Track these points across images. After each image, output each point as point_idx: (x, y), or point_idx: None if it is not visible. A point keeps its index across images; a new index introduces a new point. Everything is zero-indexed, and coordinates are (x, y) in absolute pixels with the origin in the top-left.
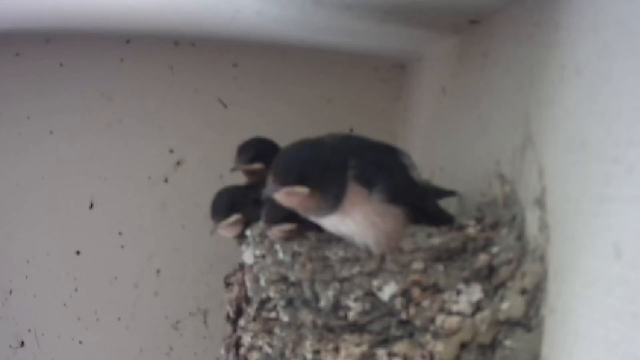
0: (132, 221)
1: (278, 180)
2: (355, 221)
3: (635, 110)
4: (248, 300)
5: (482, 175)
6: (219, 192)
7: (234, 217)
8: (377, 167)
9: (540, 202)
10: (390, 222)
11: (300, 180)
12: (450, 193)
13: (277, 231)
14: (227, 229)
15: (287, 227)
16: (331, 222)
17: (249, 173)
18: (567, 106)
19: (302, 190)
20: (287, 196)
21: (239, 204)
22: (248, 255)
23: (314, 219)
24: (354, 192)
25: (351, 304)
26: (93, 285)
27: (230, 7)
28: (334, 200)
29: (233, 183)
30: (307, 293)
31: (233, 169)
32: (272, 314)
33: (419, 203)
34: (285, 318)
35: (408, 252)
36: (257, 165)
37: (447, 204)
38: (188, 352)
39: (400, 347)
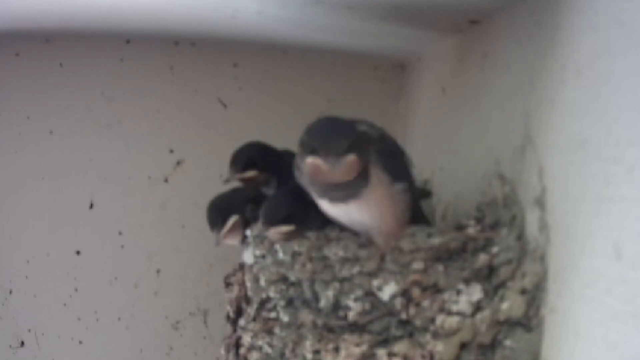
0: (132, 221)
1: (333, 152)
2: (370, 207)
3: (635, 110)
4: (248, 300)
5: (482, 175)
6: (209, 204)
7: (232, 220)
8: (398, 163)
9: (540, 202)
10: (401, 207)
11: (351, 150)
12: (426, 194)
13: (275, 233)
14: (230, 235)
15: (285, 228)
16: (348, 208)
17: (244, 181)
18: (567, 106)
19: (352, 159)
20: (347, 166)
21: (233, 207)
22: (248, 255)
23: (325, 202)
24: (378, 178)
25: (351, 304)
26: (93, 285)
27: (230, 7)
28: (362, 176)
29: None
30: (307, 293)
31: (226, 180)
32: (272, 314)
33: (417, 202)
34: (285, 318)
35: (408, 252)
36: (250, 173)
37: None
38: (188, 352)
39: (400, 347)
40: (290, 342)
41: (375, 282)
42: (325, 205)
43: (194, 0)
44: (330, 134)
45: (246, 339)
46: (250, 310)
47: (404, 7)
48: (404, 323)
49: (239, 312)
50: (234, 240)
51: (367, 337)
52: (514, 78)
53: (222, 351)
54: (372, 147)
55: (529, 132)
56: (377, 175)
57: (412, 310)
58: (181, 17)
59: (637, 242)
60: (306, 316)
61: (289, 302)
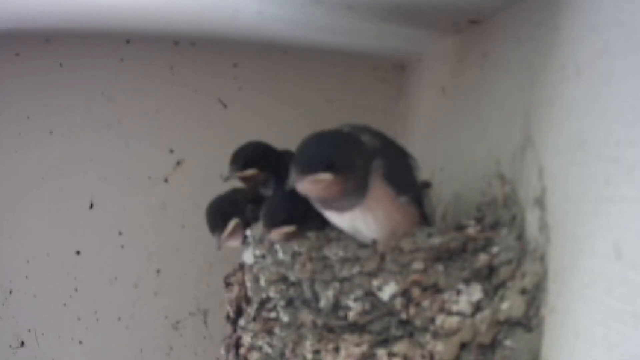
0: (132, 221)
1: (302, 169)
2: (376, 218)
3: (635, 110)
4: (248, 300)
5: (482, 175)
6: (208, 207)
7: (232, 223)
8: (405, 172)
9: (540, 202)
10: (409, 221)
11: (324, 167)
12: (426, 185)
13: (276, 234)
14: (231, 238)
15: (287, 229)
16: (349, 217)
17: (243, 179)
18: (567, 106)
19: (326, 176)
20: (312, 184)
21: (232, 209)
22: (248, 255)
23: (332, 213)
24: (381, 190)
25: (351, 304)
26: (93, 285)
27: (230, 7)
28: (358, 191)
29: (232, 185)
30: (307, 293)
31: (226, 178)
32: (272, 314)
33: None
34: (285, 318)
35: (408, 252)
36: (250, 172)
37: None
38: (188, 352)
39: (400, 347)
40: (290, 342)
41: (375, 282)
42: (328, 215)
43: (194, 0)
44: (304, 155)
45: (246, 339)
46: (250, 310)
47: (404, 7)
48: (404, 323)
49: (239, 312)
50: (235, 243)
51: (367, 337)
52: (514, 78)
53: (222, 351)
54: (374, 159)
55: (529, 132)
56: (378, 188)
57: (412, 310)
58: (181, 17)
59: (637, 242)
60: (306, 316)
61: (289, 302)
